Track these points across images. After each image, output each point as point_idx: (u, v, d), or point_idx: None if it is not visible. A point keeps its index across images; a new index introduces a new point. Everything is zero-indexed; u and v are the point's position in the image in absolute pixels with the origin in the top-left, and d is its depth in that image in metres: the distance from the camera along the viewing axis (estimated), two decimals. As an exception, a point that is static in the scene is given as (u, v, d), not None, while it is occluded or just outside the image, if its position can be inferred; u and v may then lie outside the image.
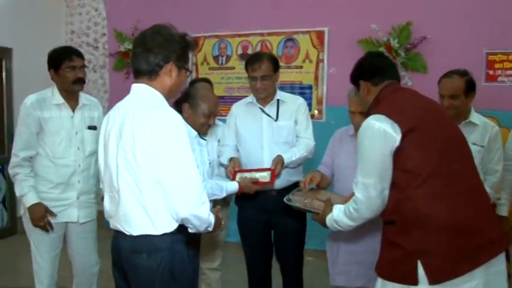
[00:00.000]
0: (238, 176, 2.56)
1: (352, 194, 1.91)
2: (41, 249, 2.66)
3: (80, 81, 2.67)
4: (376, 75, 1.98)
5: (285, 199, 2.34)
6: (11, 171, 2.63)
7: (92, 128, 2.75)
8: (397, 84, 2.01)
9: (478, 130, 2.58)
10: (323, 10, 4.59)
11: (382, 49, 4.24)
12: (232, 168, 2.62)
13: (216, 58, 5.04)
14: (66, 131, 2.66)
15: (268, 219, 2.80)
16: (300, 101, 2.86)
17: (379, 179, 1.78)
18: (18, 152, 2.60)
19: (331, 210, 2.03)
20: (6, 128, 5.10)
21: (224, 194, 2.49)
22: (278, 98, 2.81)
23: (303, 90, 4.68)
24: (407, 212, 1.75)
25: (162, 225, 1.72)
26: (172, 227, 1.74)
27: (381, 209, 1.83)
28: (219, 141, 2.99)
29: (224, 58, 5.00)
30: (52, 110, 2.64)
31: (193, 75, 5.09)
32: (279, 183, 2.71)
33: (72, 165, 2.67)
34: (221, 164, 2.84)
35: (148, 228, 1.72)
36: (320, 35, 4.60)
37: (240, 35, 4.92)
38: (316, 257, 3.95)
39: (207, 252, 3.12)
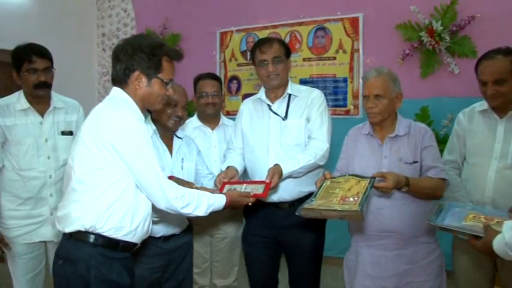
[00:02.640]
0: (226, 187, 2.19)
1: None
2: (16, 272, 2.48)
3: (43, 86, 2.41)
4: None
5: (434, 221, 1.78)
6: None
7: (67, 133, 2.49)
8: None
9: None
10: (356, -6, 4.15)
11: (423, 33, 3.74)
12: (222, 178, 2.25)
13: (244, 53, 4.71)
14: (33, 138, 2.41)
15: (275, 237, 2.42)
16: (315, 94, 2.43)
17: None
18: None
19: (495, 231, 1.50)
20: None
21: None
22: (289, 92, 2.43)
23: (337, 84, 4.26)
24: None
25: (98, 219, 1.69)
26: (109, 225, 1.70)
27: None
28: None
29: (252, 53, 4.69)
30: (17, 116, 2.41)
31: (222, 73, 4.87)
32: (289, 195, 2.35)
33: (41, 177, 2.41)
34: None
35: (83, 219, 1.69)
36: (354, 22, 4.15)
37: (267, 27, 4.56)
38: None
39: (219, 268, 2.88)
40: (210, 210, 1.89)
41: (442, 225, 1.73)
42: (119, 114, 1.71)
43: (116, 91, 1.83)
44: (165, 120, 2.23)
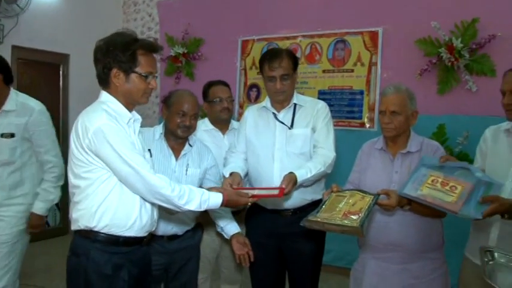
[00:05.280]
0: None
1: None
2: None
3: None
4: None
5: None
6: None
7: (7, 135, 2.53)
8: None
9: None
10: (377, 8, 4.19)
11: (442, 50, 3.76)
12: (230, 184, 2.20)
13: (264, 62, 4.79)
14: None
15: (277, 244, 2.45)
16: (320, 105, 2.46)
17: None
18: None
19: None
20: (61, 131, 5.13)
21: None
22: (295, 102, 2.45)
23: (353, 96, 4.30)
24: None
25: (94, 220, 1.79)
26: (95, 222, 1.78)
27: None
28: None
29: (272, 62, 4.74)
30: None
31: (242, 80, 4.94)
32: (292, 202, 2.38)
33: None
34: (223, 176, 2.44)
35: (79, 220, 1.81)
36: (373, 35, 4.20)
37: (288, 38, 4.64)
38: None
39: (227, 274, 2.91)
40: (205, 206, 1.87)
41: (401, 193, 1.89)
42: (90, 117, 1.76)
43: (101, 94, 1.88)
44: (174, 129, 2.31)
